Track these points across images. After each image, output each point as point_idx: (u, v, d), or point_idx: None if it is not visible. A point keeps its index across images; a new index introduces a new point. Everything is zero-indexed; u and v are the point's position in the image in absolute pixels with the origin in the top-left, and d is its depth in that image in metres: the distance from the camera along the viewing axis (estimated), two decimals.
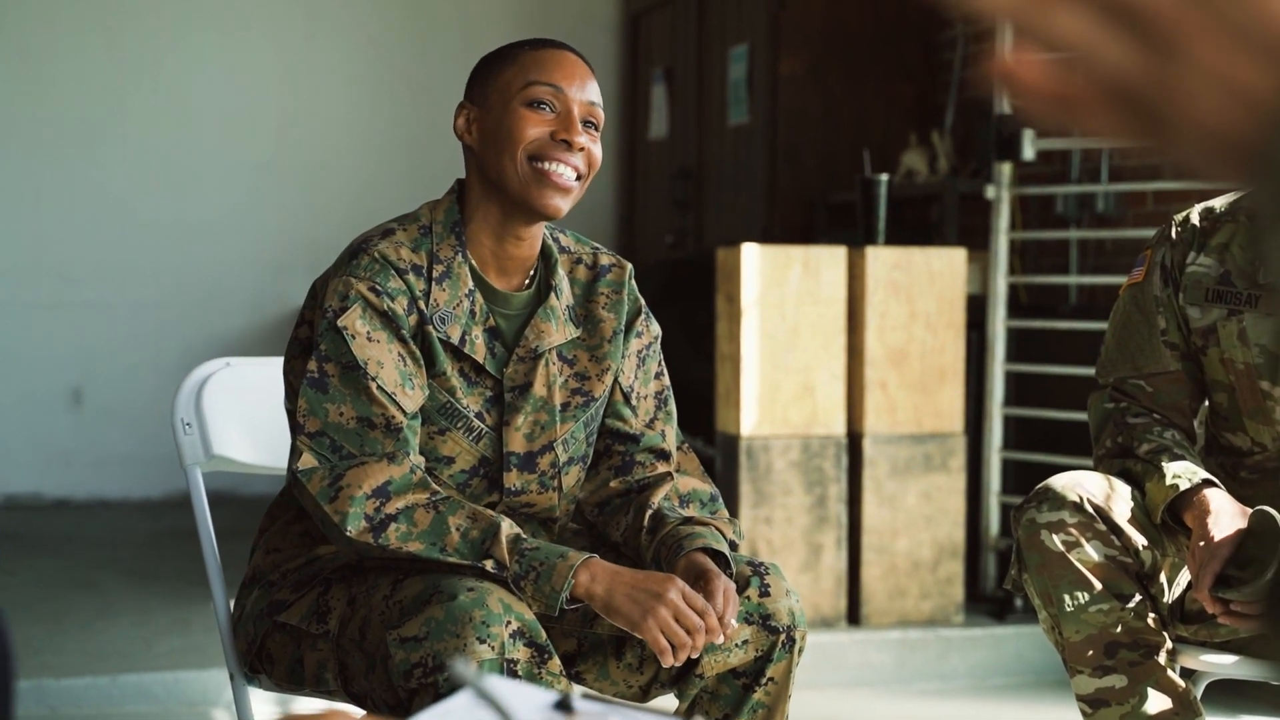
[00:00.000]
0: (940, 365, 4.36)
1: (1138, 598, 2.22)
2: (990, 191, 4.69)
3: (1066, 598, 2.22)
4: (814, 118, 6.10)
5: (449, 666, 1.85)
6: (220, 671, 3.87)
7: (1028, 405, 4.76)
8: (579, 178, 2.07)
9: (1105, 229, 5.11)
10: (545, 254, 2.17)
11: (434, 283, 2.06)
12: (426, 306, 2.05)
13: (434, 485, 2.01)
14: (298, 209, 7.08)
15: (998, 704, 4.10)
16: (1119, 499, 2.26)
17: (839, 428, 4.29)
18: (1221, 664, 2.29)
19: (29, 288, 6.76)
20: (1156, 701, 2.23)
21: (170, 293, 6.92)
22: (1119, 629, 2.22)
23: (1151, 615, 2.23)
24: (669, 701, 2.20)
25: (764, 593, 2.10)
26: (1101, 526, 2.22)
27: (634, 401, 2.22)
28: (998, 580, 4.65)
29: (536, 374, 2.11)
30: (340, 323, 2.01)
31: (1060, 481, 2.27)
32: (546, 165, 2.04)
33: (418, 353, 2.04)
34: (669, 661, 1.95)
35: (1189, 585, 2.32)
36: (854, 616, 4.35)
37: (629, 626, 1.95)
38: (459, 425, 2.08)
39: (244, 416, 2.38)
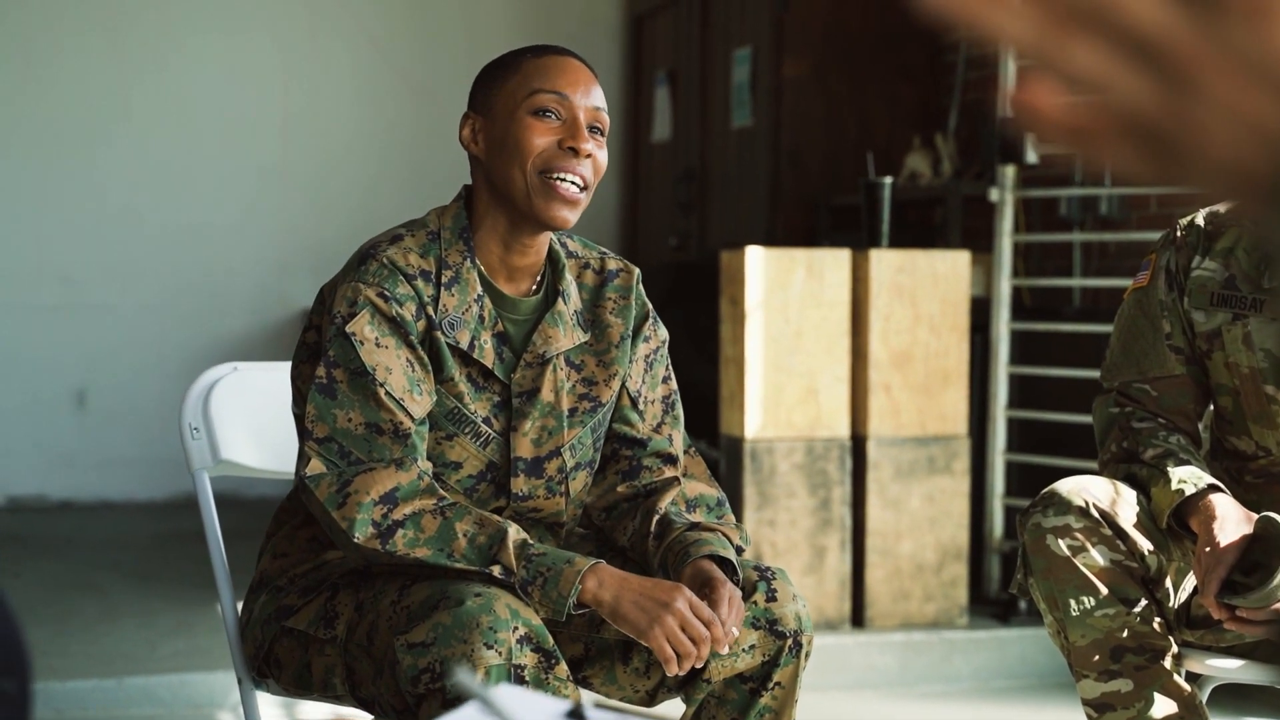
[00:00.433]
0: (944, 368, 4.36)
1: (1143, 602, 2.23)
2: (994, 194, 4.69)
3: (1072, 602, 2.22)
4: (817, 120, 6.10)
5: (451, 676, 1.86)
6: (226, 674, 3.87)
7: (1031, 408, 4.77)
8: (584, 188, 2.06)
9: (1109, 232, 5.12)
10: (553, 259, 2.18)
11: (443, 288, 2.06)
12: (435, 312, 2.05)
13: (441, 491, 2.01)
14: (301, 211, 7.08)
15: (1002, 706, 4.10)
16: (1124, 504, 2.26)
17: (843, 430, 4.30)
18: (1227, 668, 2.30)
19: (32, 290, 6.76)
20: (1162, 706, 2.23)
21: (173, 295, 6.92)
22: (1125, 633, 2.22)
23: (1157, 620, 2.24)
24: (676, 706, 2.20)
25: (770, 598, 2.10)
26: (1107, 531, 2.23)
27: (641, 406, 2.22)
28: (1002, 583, 4.66)
29: (544, 379, 2.12)
30: (349, 328, 2.01)
31: (1066, 486, 2.27)
32: (555, 178, 2.04)
33: (426, 358, 2.05)
34: (674, 671, 1.95)
35: (1195, 590, 2.33)
36: (858, 619, 4.35)
37: (635, 634, 1.96)
38: (467, 431, 2.09)
39: (251, 421, 2.38)
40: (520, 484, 2.12)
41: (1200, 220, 2.43)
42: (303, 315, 6.93)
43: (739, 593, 2.02)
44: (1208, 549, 2.16)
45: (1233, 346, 2.35)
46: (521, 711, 1.16)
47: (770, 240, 5.86)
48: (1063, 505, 2.24)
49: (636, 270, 2.24)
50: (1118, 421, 2.41)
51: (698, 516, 2.16)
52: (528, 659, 1.89)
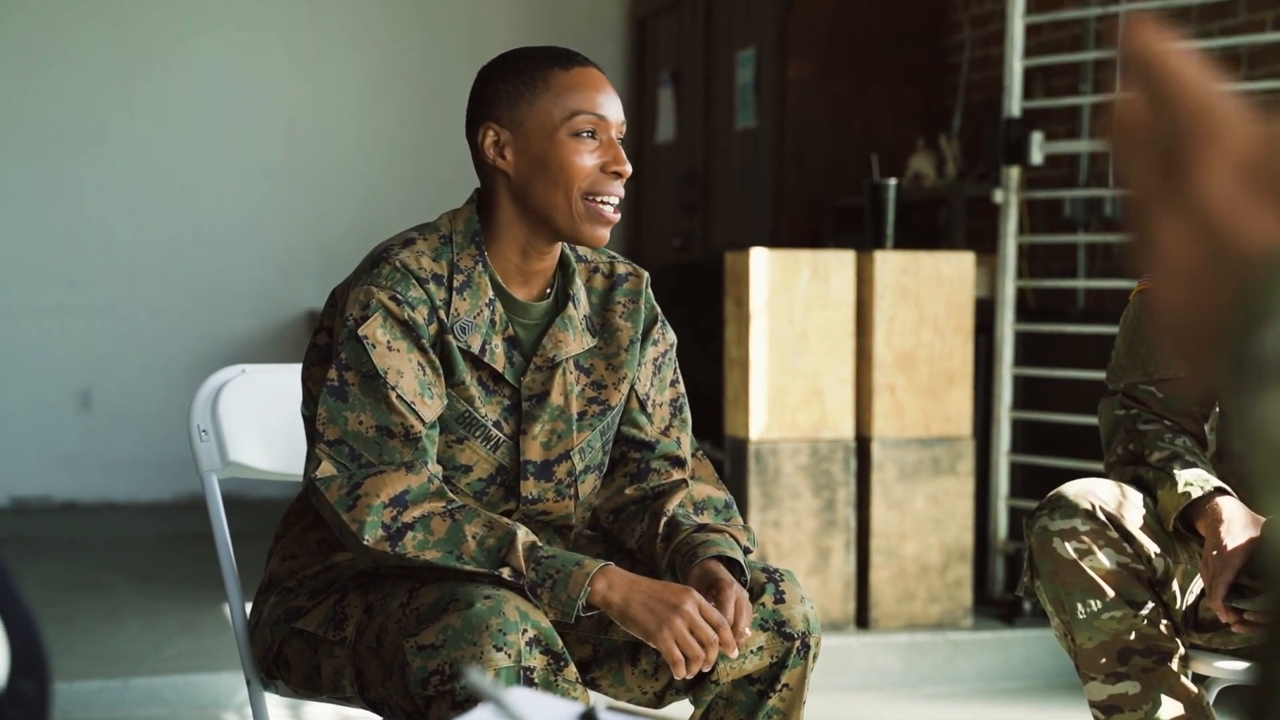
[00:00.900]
0: (948, 369, 4.37)
1: (1150, 605, 2.23)
2: (998, 195, 4.70)
3: (1079, 605, 2.22)
4: (821, 121, 6.11)
5: (463, 676, 1.86)
6: (231, 675, 3.88)
7: (1035, 409, 4.77)
8: (620, 203, 2.10)
9: (1113, 233, 5.12)
10: (563, 263, 2.18)
11: (454, 292, 2.07)
12: (447, 316, 2.06)
13: (450, 494, 2.02)
14: (305, 214, 7.09)
15: (1006, 707, 4.11)
16: (1131, 506, 2.26)
17: (847, 431, 4.30)
18: (1234, 670, 2.30)
19: (36, 292, 6.77)
20: (1169, 708, 2.23)
21: (177, 297, 6.93)
22: (1132, 635, 2.22)
23: (1164, 622, 2.24)
24: (684, 708, 2.20)
25: (779, 599, 2.10)
26: (1114, 534, 2.23)
27: (649, 409, 2.22)
28: (1006, 584, 4.66)
29: (554, 383, 2.12)
30: (361, 331, 2.02)
31: (1072, 489, 2.27)
32: (600, 201, 2.07)
33: (437, 362, 2.05)
34: (682, 673, 1.96)
35: (1202, 593, 2.33)
36: (862, 620, 4.36)
37: (644, 636, 1.96)
38: (477, 434, 2.09)
39: (259, 423, 2.38)
40: (530, 487, 2.12)
41: None
42: (306, 317, 6.93)
43: (746, 594, 2.03)
44: (1215, 553, 2.16)
45: None
46: (535, 714, 1.16)
47: (774, 242, 5.86)
48: (1069, 508, 2.24)
49: (646, 274, 2.25)
50: (1124, 424, 2.41)
51: (705, 518, 2.17)
52: (537, 661, 1.90)
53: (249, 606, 2.24)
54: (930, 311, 4.34)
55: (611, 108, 2.09)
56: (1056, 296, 5.31)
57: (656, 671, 2.14)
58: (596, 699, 2.25)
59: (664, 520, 2.15)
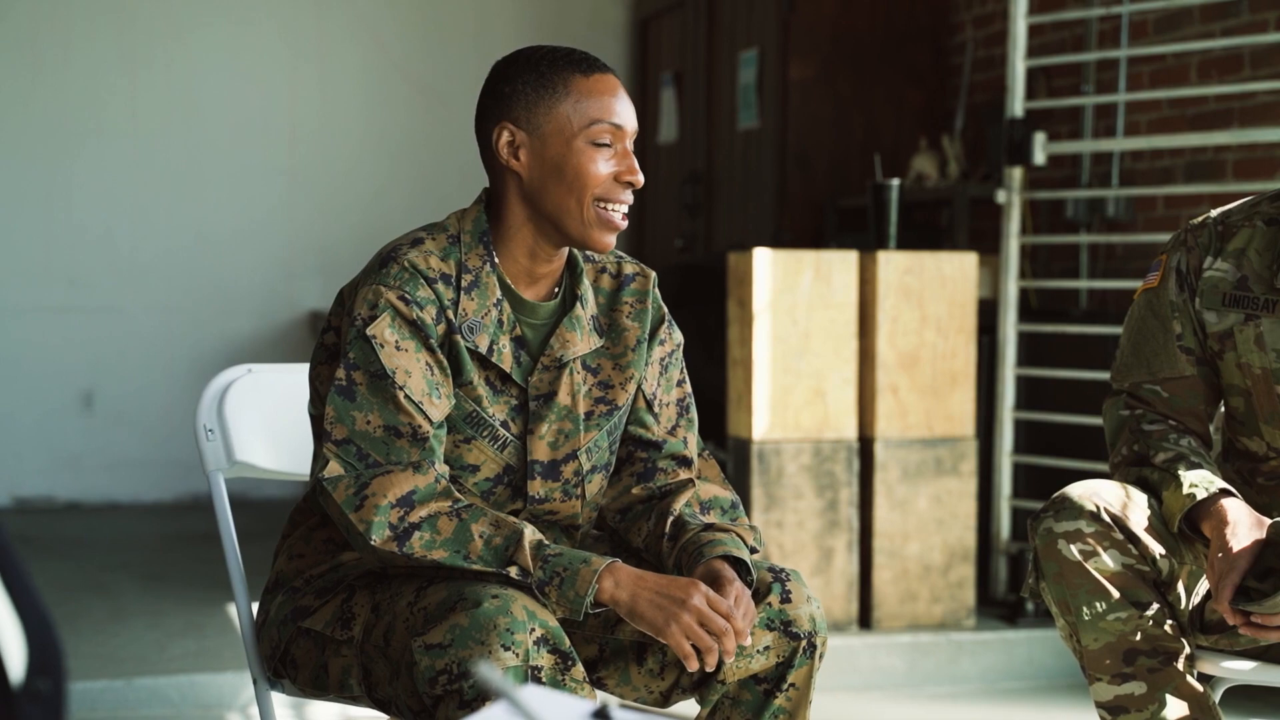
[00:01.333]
0: (951, 369, 4.37)
1: (1155, 605, 2.23)
2: (1000, 196, 4.70)
3: (1084, 606, 2.22)
4: (824, 122, 6.11)
5: (473, 673, 1.86)
6: (235, 675, 3.88)
7: (1038, 409, 4.77)
8: (629, 209, 2.12)
9: (1115, 233, 5.12)
10: (570, 264, 2.19)
11: (463, 292, 2.07)
12: (455, 316, 2.06)
13: (457, 494, 2.02)
14: (309, 214, 7.09)
15: (1009, 708, 4.11)
16: (1136, 507, 2.26)
17: (850, 432, 4.31)
18: (1240, 670, 2.30)
19: (39, 292, 6.78)
20: (1175, 708, 2.23)
21: (180, 297, 6.94)
22: (1137, 636, 2.22)
23: (1169, 622, 2.24)
24: (691, 708, 2.21)
25: (785, 599, 2.11)
26: (1118, 535, 2.23)
27: (656, 409, 2.23)
28: (1009, 584, 4.67)
29: (561, 383, 2.13)
30: (369, 331, 2.02)
31: (1077, 490, 2.27)
32: (610, 208, 2.08)
33: (445, 362, 2.05)
34: (694, 667, 1.96)
35: (1208, 595, 2.33)
36: (865, 620, 4.36)
37: (653, 632, 1.96)
38: (484, 434, 2.09)
39: (266, 423, 2.39)
40: (537, 487, 2.12)
41: (1212, 221, 2.44)
42: (309, 318, 6.94)
43: (748, 591, 2.03)
44: (1220, 555, 2.16)
45: (1245, 347, 2.36)
46: (547, 711, 1.16)
47: (777, 242, 5.87)
48: (1074, 510, 2.24)
49: (653, 274, 2.25)
50: (1128, 424, 2.41)
51: (712, 518, 2.17)
52: (544, 660, 1.90)
53: (255, 606, 2.25)
54: (933, 312, 4.35)
55: (628, 117, 2.10)
56: (1059, 297, 5.32)
57: (663, 671, 2.14)
58: (605, 698, 2.25)
59: (670, 520, 2.15)
